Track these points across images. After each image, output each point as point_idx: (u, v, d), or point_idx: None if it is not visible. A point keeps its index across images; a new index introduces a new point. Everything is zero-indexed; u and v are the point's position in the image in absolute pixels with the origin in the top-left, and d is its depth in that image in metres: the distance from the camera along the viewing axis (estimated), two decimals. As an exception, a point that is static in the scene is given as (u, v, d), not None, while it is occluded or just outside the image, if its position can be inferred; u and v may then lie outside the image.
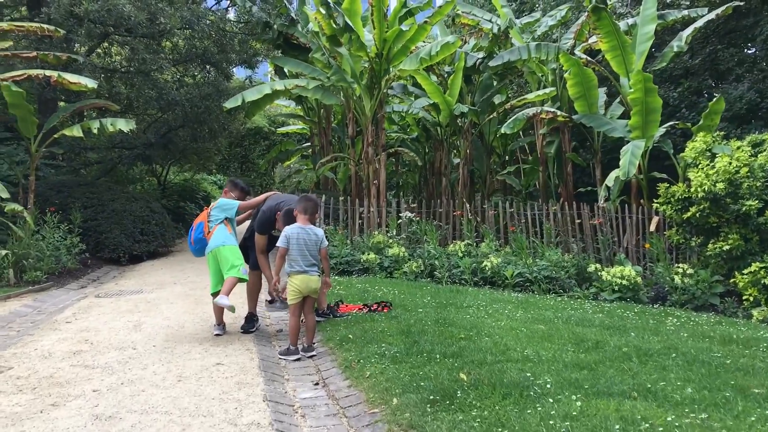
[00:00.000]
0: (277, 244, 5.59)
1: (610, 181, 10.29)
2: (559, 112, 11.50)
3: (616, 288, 9.12)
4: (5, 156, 12.54)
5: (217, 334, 6.36)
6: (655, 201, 10.06)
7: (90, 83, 10.73)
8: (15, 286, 9.64)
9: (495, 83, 14.23)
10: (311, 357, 5.61)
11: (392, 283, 9.48)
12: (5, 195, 10.02)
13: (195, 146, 18.44)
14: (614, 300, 9.03)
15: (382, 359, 4.96)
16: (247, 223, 6.95)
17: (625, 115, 12.27)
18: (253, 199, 6.58)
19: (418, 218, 11.75)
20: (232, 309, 6.10)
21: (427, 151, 15.99)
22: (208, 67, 15.97)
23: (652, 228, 10.61)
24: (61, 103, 14.37)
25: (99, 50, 16.73)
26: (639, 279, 9.08)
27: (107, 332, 6.50)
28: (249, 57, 15.17)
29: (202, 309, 7.71)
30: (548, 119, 12.09)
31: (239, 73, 23.50)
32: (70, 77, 10.61)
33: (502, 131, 11.17)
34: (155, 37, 13.21)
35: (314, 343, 5.83)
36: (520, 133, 15.89)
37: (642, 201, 11.08)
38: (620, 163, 9.99)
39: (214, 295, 6.36)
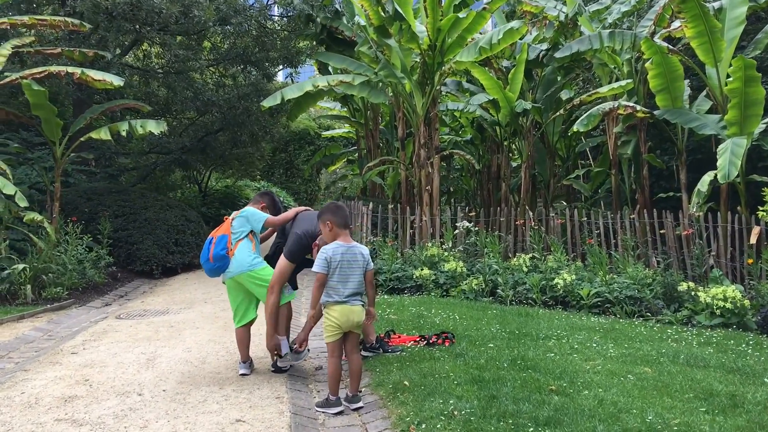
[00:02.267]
0: (314, 269, 4.40)
1: (704, 185, 8.81)
2: (638, 107, 10.06)
3: (718, 312, 7.65)
4: (35, 161, 11.75)
5: (242, 374, 5.21)
6: (761, 209, 8.56)
7: (116, 80, 9.81)
8: (33, 304, 8.74)
9: (559, 78, 12.85)
10: (357, 410, 4.40)
11: (450, 304, 8.22)
12: (24, 203, 9.15)
13: (236, 151, 17.55)
14: (715, 326, 7.58)
15: (450, 422, 3.72)
16: (272, 239, 5.82)
17: (712, 110, 10.74)
18: (281, 215, 5.39)
19: (476, 228, 10.45)
20: (297, 357, 5.23)
21: (482, 154, 14.67)
22: (248, 67, 15.03)
23: (753, 240, 9.06)
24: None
25: (137, 52, 15.99)
26: (747, 302, 7.59)
27: (114, 369, 5.42)
28: (291, 55, 14.16)
29: (231, 336, 6.58)
30: (625, 115, 10.66)
31: (281, 76, 22.66)
32: (95, 74, 9.70)
33: (575, 129, 9.79)
34: (190, 33, 12.30)
35: (360, 391, 4.62)
36: (583, 134, 14.45)
37: (739, 208, 9.56)
38: (718, 163, 8.51)
39: (242, 329, 5.24)
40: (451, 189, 16.77)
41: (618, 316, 8.10)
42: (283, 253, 5.12)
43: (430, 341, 5.63)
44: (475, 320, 6.94)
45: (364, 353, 5.51)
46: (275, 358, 5.29)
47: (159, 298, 9.52)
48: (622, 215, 10.66)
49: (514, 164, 15.01)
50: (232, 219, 5.26)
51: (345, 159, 18.30)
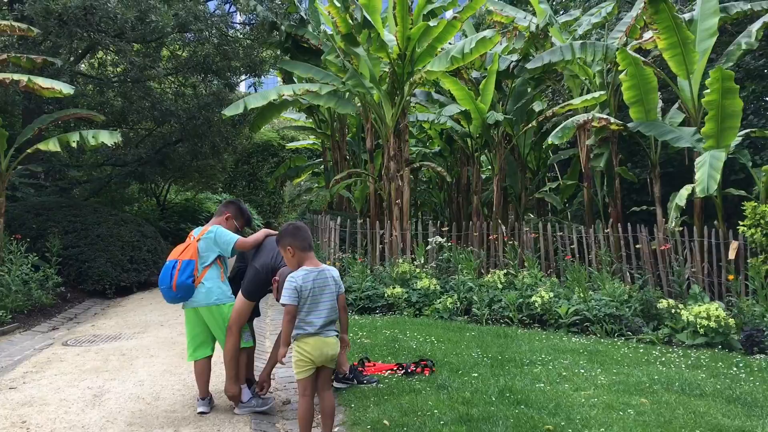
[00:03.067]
0: (283, 301, 3.91)
1: (681, 199, 8.58)
2: (612, 119, 9.82)
3: (701, 331, 7.38)
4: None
5: (201, 412, 4.68)
6: (741, 223, 8.36)
7: (66, 88, 9.19)
8: (-29, 330, 8.02)
9: (530, 90, 12.60)
10: (331, 455, 3.92)
11: (425, 325, 7.78)
12: (-38, 220, 8.44)
13: (196, 163, 16.87)
14: (698, 345, 7.30)
15: (440, 472, 3.27)
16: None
17: (685, 123, 10.59)
18: (252, 237, 4.79)
19: (449, 243, 10.06)
20: (264, 403, 4.75)
21: (450, 166, 14.34)
22: (209, 76, 14.44)
23: (732, 255, 8.86)
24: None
25: (91, 60, 15.26)
26: (732, 321, 7.34)
27: (56, 407, 4.83)
28: (255, 64, 13.64)
29: (189, 366, 6.03)
30: (598, 128, 10.43)
31: (244, 87, 22.02)
32: (42, 81, 9.05)
33: (550, 141, 9.50)
34: (147, 40, 11.70)
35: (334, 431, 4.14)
36: (553, 147, 14.26)
37: (716, 222, 9.36)
38: (696, 177, 8.29)
39: (201, 361, 4.73)
40: (419, 202, 16.40)
41: (598, 335, 7.78)
42: (241, 291, 4.61)
43: (409, 370, 5.18)
44: (453, 343, 6.51)
45: (336, 384, 5.04)
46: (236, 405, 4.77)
47: (111, 321, 8.87)
48: (595, 229, 10.40)
49: (484, 177, 14.72)
50: (198, 240, 4.73)
51: (310, 171, 17.79)
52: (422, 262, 9.82)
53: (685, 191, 8.76)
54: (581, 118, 9.70)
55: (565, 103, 10.47)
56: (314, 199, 16.82)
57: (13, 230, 10.86)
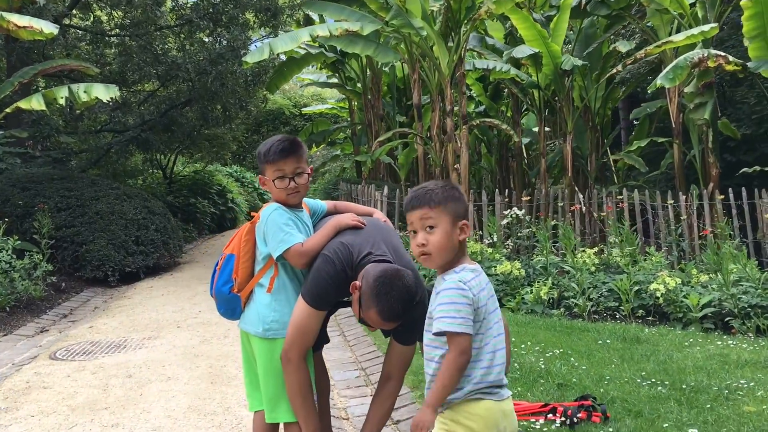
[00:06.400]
0: (448, 327, 2.05)
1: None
2: (731, 58, 7.89)
3: None
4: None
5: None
6: None
7: (48, 27, 7.32)
8: (-65, 336, 6.25)
9: (599, 32, 10.64)
10: None
11: (520, 324, 5.96)
12: None
13: (206, 132, 14.99)
14: None
15: None
16: None
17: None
18: (315, 236, 2.74)
19: (529, 217, 8.20)
20: None
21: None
22: (219, 29, 12.46)
23: None
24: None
25: (86, 14, 13.26)
26: None
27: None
28: (272, 10, 11.67)
29: (222, 399, 4.22)
30: (701, 71, 8.49)
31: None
32: (18, 19, 7.17)
33: (658, 84, 7.60)
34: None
35: None
36: (623, 100, 12.32)
37: None
38: None
39: (261, 417, 2.84)
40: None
41: (748, 334, 5.93)
42: (302, 293, 2.69)
43: (569, 415, 3.33)
44: (582, 356, 4.68)
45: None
46: None
47: (114, 320, 7.06)
48: (695, 196, 8.53)
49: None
50: (254, 223, 2.84)
51: (338, 136, 15.82)
52: (494, 240, 7.96)
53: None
54: (695, 55, 7.75)
55: (663, 41, 8.49)
56: (347, 168, 14.87)
57: (-5, 208, 9.08)
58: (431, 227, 2.15)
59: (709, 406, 3.58)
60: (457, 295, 2.07)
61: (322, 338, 3.01)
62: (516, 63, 9.97)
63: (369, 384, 4.52)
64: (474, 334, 2.08)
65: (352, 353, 5.38)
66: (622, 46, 9.42)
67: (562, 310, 6.76)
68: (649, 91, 8.43)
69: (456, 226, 2.17)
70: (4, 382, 4.83)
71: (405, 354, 2.76)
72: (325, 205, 3.06)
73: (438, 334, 2.08)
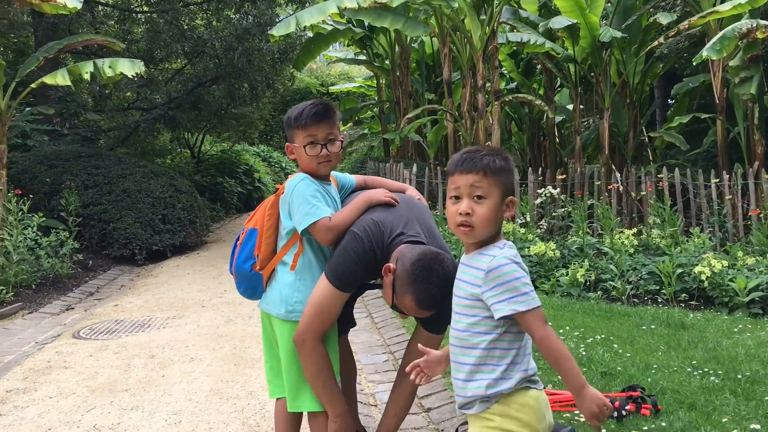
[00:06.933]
0: (526, 307, 1.83)
1: None
2: (783, 28, 7.45)
3: None
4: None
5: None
6: None
7: (71, 2, 7.16)
8: (-39, 313, 6.21)
9: (638, 3, 10.19)
10: None
11: (556, 307, 5.70)
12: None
13: (233, 110, 14.83)
14: None
15: None
16: None
17: None
18: (344, 209, 2.53)
19: (564, 196, 7.89)
20: None
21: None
22: (246, 5, 12.22)
23: None
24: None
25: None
26: None
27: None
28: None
29: (245, 383, 4.06)
30: (748, 43, 8.05)
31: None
32: (40, -8, 7.00)
33: (704, 56, 7.21)
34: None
35: None
36: (666, 76, 11.85)
37: None
38: None
39: (282, 405, 2.64)
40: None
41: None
42: (325, 272, 2.46)
43: (616, 407, 3.08)
44: (625, 342, 4.42)
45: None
46: None
47: (139, 298, 6.96)
48: (739, 175, 8.12)
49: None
50: (279, 195, 2.61)
51: (365, 114, 15.55)
52: (527, 220, 7.67)
53: None
54: (743, 25, 7.32)
55: (708, 11, 8.05)
56: (375, 145, 14.62)
57: (24, 185, 9.04)
58: (480, 197, 1.91)
59: (758, 393, 3.31)
60: (518, 270, 1.86)
61: (348, 322, 2.83)
62: (551, 36, 9.60)
63: (397, 368, 4.31)
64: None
65: (380, 336, 5.18)
66: (663, 18, 8.98)
67: (599, 293, 6.48)
68: (694, 63, 7.97)
69: (504, 201, 1.93)
70: (26, 361, 4.73)
71: (432, 344, 2.53)
72: (354, 179, 2.84)
73: (505, 318, 1.84)
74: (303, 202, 2.44)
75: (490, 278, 1.85)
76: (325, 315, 2.44)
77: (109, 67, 7.90)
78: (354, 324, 2.92)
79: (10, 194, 7.47)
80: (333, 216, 2.45)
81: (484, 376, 1.88)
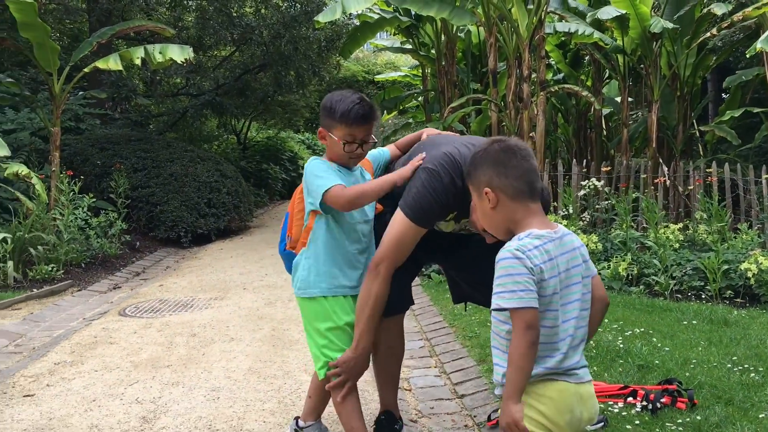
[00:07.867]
0: (508, 304, 1.82)
1: None
2: None
3: None
4: (33, 101, 9.34)
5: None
6: None
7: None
8: (16, 289, 6.47)
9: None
10: None
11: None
12: (5, 152, 6.80)
13: (279, 98, 14.98)
14: None
15: None
16: None
17: None
18: (370, 183, 2.60)
19: (608, 189, 7.77)
20: None
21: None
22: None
23: None
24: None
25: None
26: None
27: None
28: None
29: (282, 364, 4.14)
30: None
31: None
32: (95, -22, 7.20)
33: (758, 48, 7.00)
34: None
35: None
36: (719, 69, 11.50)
37: None
38: None
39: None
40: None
41: None
42: (400, 207, 2.46)
43: (651, 399, 3.05)
44: (666, 337, 4.34)
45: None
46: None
47: (183, 279, 7.15)
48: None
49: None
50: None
51: (409, 104, 15.52)
52: (570, 212, 7.58)
53: None
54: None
55: (764, 1, 7.78)
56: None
57: (76, 166, 9.33)
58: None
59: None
60: (514, 265, 1.83)
61: (407, 300, 2.90)
62: (599, 26, 9.41)
63: (434, 355, 4.35)
64: (543, 311, 1.84)
65: (417, 323, 5.21)
66: (718, 9, 8.69)
67: (641, 287, 6.38)
68: (747, 56, 7.72)
69: (483, 195, 1.97)
70: (73, 336, 4.91)
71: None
72: (387, 150, 2.89)
73: (497, 310, 1.87)
74: (314, 177, 2.48)
75: (496, 269, 1.87)
76: (401, 247, 2.45)
77: (160, 52, 8.09)
78: (412, 302, 2.98)
79: (62, 175, 7.72)
80: (352, 186, 2.49)
81: (503, 363, 1.90)
